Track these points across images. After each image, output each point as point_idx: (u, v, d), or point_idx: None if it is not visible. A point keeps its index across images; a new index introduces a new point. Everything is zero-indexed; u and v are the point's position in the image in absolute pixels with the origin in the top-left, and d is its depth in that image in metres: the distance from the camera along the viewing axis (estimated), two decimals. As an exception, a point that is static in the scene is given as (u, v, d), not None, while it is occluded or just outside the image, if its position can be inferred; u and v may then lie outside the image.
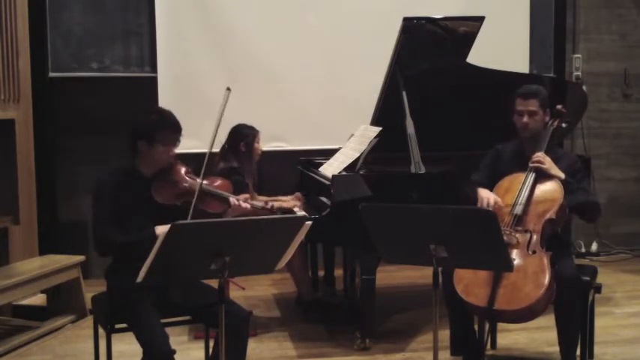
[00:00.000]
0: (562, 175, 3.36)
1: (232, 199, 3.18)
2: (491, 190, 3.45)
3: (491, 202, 3.32)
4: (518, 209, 3.30)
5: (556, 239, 3.36)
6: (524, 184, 3.36)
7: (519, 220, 3.29)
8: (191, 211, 3.00)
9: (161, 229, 2.87)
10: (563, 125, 3.64)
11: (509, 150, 3.62)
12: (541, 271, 3.11)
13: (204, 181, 3.17)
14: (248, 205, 3.23)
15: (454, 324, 3.45)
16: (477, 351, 3.48)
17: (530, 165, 3.39)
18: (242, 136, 4.34)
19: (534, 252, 3.19)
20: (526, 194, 3.33)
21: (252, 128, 4.39)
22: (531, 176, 3.37)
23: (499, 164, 3.59)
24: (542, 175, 3.37)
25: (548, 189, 3.34)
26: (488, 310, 3.07)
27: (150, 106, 3.17)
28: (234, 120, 4.46)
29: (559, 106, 3.61)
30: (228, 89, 3.17)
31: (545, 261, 3.15)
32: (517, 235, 3.23)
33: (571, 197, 3.34)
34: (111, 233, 2.95)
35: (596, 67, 6.27)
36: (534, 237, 3.24)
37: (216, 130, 3.13)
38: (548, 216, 3.28)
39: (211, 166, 4.12)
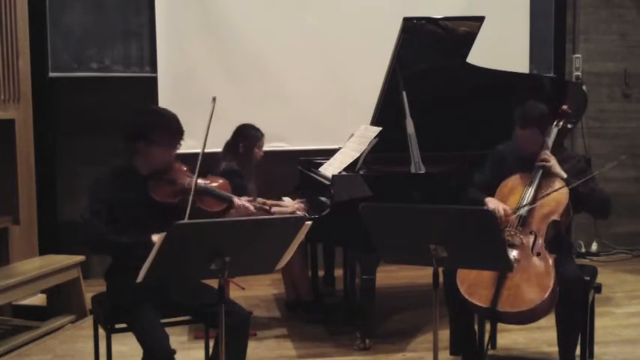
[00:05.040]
0: (564, 175, 3.36)
1: (236, 201, 3.18)
2: (494, 191, 3.44)
3: (501, 212, 3.28)
4: (523, 210, 3.28)
5: (558, 241, 3.35)
6: (529, 184, 3.35)
7: (524, 221, 3.27)
8: (188, 209, 3.00)
9: (158, 237, 2.87)
10: (569, 126, 3.62)
11: (511, 151, 3.60)
12: (546, 273, 3.10)
13: (204, 181, 3.17)
14: (252, 207, 3.23)
15: (454, 323, 3.45)
16: (477, 351, 3.48)
17: (537, 164, 3.38)
18: (244, 137, 4.35)
19: (539, 254, 3.18)
20: (531, 195, 3.31)
21: (257, 131, 4.39)
22: (537, 177, 3.36)
23: (503, 165, 3.56)
24: (547, 175, 3.36)
25: (553, 190, 3.32)
26: (491, 311, 3.06)
27: (151, 105, 3.15)
28: (234, 120, 4.47)
29: (564, 107, 3.59)
30: (214, 99, 3.19)
31: (550, 264, 3.13)
32: (521, 236, 3.22)
33: (583, 199, 3.32)
34: (103, 231, 2.92)
35: (596, 67, 6.27)
36: (539, 238, 3.22)
37: (206, 139, 3.13)
38: (553, 217, 3.27)
39: (213, 165, 4.14)
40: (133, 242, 2.88)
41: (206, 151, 3.12)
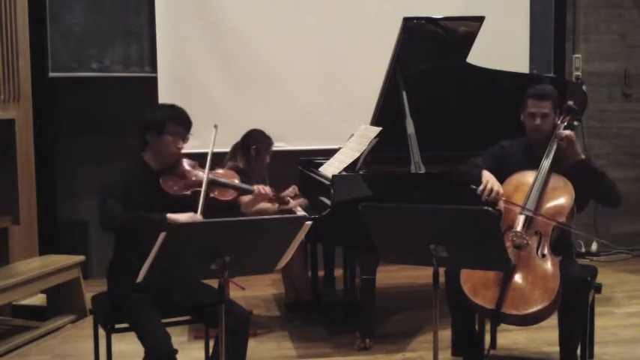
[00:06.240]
0: (582, 156, 3.34)
1: (255, 187, 3.26)
2: None
3: (495, 189, 3.26)
4: (529, 211, 3.24)
5: (559, 241, 3.33)
6: (535, 182, 3.30)
7: (530, 222, 3.23)
8: (201, 200, 3.03)
9: (173, 217, 2.91)
10: (575, 123, 3.59)
11: (516, 148, 3.55)
12: (551, 276, 3.08)
13: (214, 172, 3.26)
14: (269, 190, 3.28)
15: (457, 325, 3.44)
16: (478, 351, 3.48)
17: (561, 137, 3.31)
18: (256, 141, 4.40)
19: (544, 255, 3.16)
20: (537, 195, 3.27)
21: (267, 137, 4.45)
22: (543, 174, 3.30)
23: (506, 161, 3.51)
24: (555, 171, 3.32)
25: (559, 191, 3.29)
26: (495, 312, 3.04)
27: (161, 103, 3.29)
28: (234, 120, 4.48)
29: (570, 102, 3.53)
30: (216, 127, 3.29)
31: (556, 266, 3.11)
32: (527, 237, 3.18)
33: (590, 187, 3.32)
34: (118, 206, 2.91)
35: (596, 67, 6.27)
36: (544, 240, 3.19)
37: (208, 164, 3.17)
38: (559, 219, 3.23)
39: (216, 166, 4.15)
40: (148, 217, 2.89)
41: (207, 150, 3.18)
